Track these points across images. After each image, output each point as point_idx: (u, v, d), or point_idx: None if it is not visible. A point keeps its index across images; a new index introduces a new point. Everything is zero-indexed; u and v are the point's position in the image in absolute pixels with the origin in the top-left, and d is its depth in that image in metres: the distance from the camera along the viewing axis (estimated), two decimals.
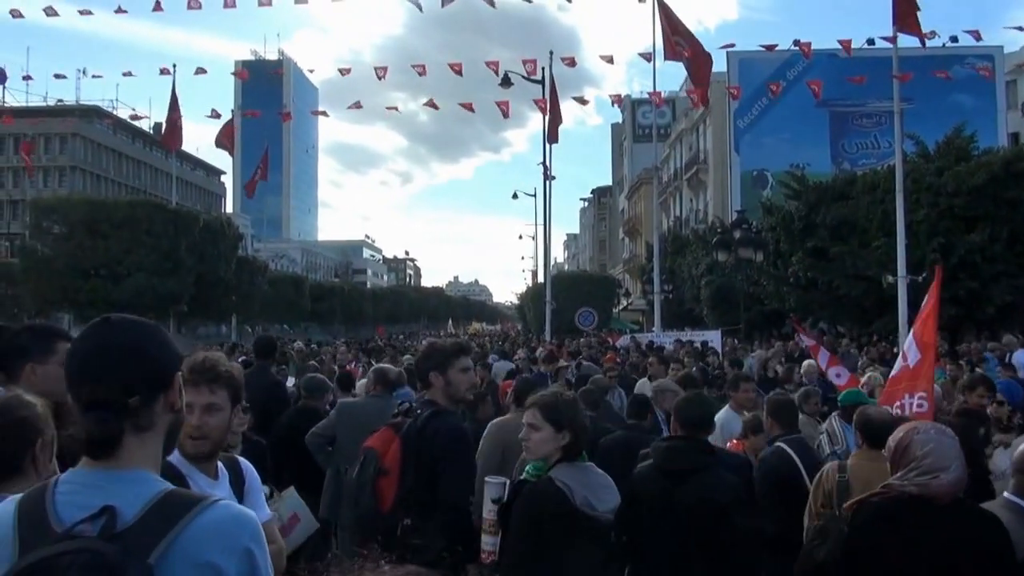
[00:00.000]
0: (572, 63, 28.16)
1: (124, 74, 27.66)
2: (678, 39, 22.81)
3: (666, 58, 23.35)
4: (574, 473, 3.47)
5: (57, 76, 63.76)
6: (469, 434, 3.84)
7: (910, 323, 16.85)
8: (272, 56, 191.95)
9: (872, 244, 20.37)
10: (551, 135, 26.75)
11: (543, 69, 28.40)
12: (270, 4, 19.69)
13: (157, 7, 17.81)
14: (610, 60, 25.04)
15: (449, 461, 3.67)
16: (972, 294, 19.14)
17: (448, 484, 3.62)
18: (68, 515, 1.61)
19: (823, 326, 26.04)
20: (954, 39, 20.92)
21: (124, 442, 1.68)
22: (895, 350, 15.29)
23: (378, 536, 3.21)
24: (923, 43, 16.97)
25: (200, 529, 1.61)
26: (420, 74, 23.15)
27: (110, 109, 79.19)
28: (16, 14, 21.08)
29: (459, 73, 23.43)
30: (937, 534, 3.04)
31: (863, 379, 9.57)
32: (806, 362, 11.64)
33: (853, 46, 22.56)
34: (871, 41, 27.12)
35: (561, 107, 26.71)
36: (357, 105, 22.80)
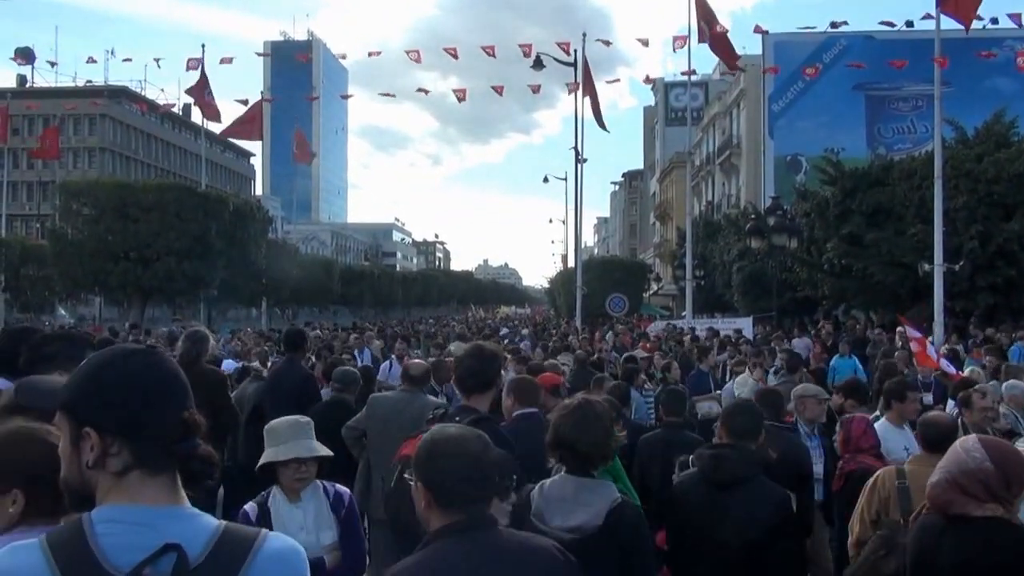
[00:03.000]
0: (607, 44, 28.16)
1: (155, 59, 27.80)
2: (702, 23, 22.74)
3: (699, 40, 23.27)
4: (559, 483, 3.36)
5: (89, 60, 64.31)
6: (513, 444, 3.73)
7: (946, 311, 16.83)
8: (301, 36, 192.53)
9: (908, 231, 20.18)
10: (597, 120, 26.79)
11: (575, 51, 28.34)
12: None
13: None
14: (645, 43, 25.00)
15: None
16: (1009, 282, 18.92)
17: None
18: (122, 557, 1.54)
19: (855, 313, 25.84)
20: (994, 21, 20.61)
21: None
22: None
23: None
24: (967, 27, 16.70)
25: (266, 560, 1.62)
26: (453, 56, 23.28)
27: (138, 90, 79.95)
28: None
29: (492, 55, 23.47)
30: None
31: (966, 373, 9.42)
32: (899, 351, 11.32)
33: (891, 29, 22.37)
34: (910, 23, 26.80)
35: (590, 90, 26.60)
36: (388, 94, 22.90)
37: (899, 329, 14.02)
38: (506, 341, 18.61)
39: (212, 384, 6.86)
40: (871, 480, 4.26)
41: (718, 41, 22.94)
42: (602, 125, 27.46)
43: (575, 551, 2.75)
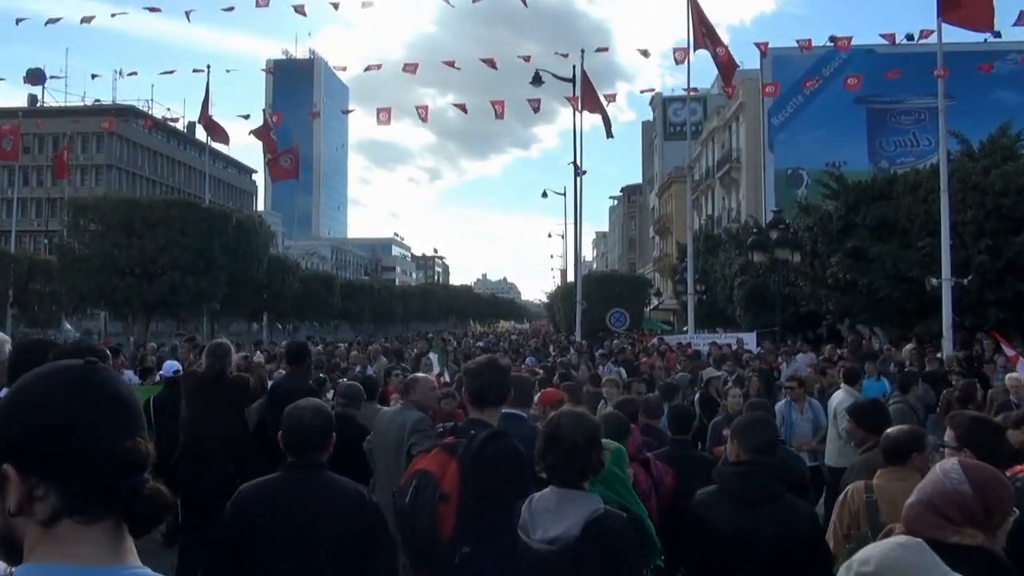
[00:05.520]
0: (604, 51, 28.08)
1: (162, 73, 28.03)
2: (706, 35, 22.69)
3: (695, 47, 23.18)
4: (546, 495, 3.32)
5: (94, 76, 64.57)
6: (527, 457, 3.63)
7: (954, 326, 16.61)
8: (303, 55, 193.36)
9: (915, 245, 19.96)
10: (605, 128, 26.85)
11: (574, 67, 28.26)
12: (303, 14, 19.94)
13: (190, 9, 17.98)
14: (645, 53, 24.96)
15: (510, 488, 3.49)
16: (1019, 297, 18.68)
17: (508, 510, 3.43)
18: None
19: (860, 328, 25.60)
20: (997, 34, 20.45)
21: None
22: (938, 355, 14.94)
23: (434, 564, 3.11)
24: (989, 29, 16.51)
25: None
26: (455, 68, 23.21)
27: (145, 109, 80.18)
28: (53, 20, 21.32)
29: (493, 66, 23.34)
30: None
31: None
32: (1011, 375, 10.00)
33: (896, 40, 22.24)
34: (910, 36, 26.67)
35: (591, 101, 26.51)
36: (387, 112, 22.78)
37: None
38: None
39: (239, 396, 6.89)
40: (842, 495, 4.28)
41: (723, 64, 22.92)
42: (609, 134, 27.49)
43: (554, 562, 3.10)
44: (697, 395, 10.67)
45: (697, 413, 8.80)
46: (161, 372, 9.36)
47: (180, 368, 9.44)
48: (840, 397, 9.06)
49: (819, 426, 9.27)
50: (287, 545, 3.44)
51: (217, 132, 29.73)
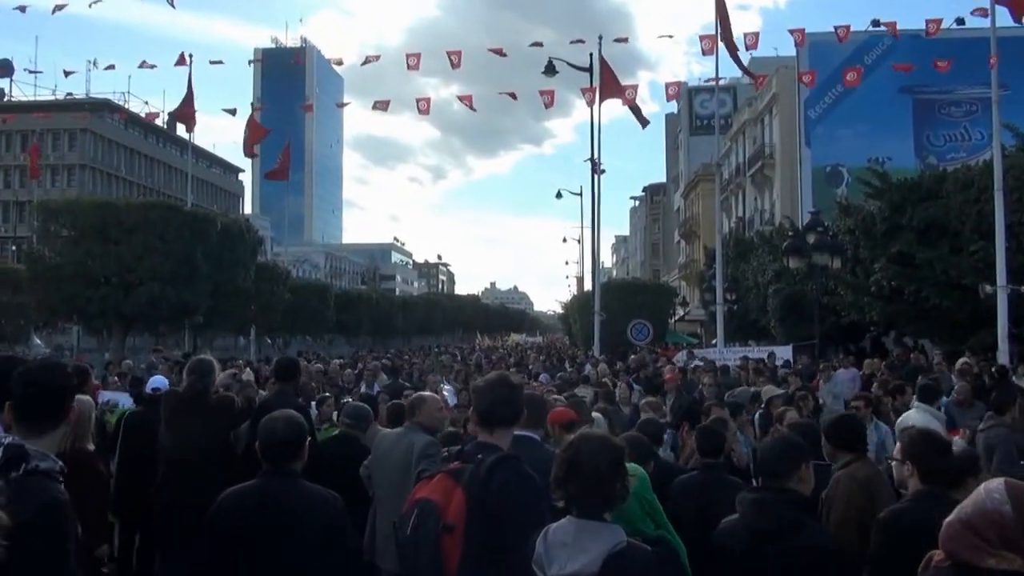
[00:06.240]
0: (623, 41, 28.00)
1: (140, 65, 27.95)
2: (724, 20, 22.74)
3: (721, 38, 23.22)
4: (563, 526, 3.33)
5: (67, 73, 64.93)
6: (539, 483, 3.63)
7: (1010, 337, 16.55)
8: (293, 43, 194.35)
9: (967, 249, 19.91)
10: (636, 116, 26.49)
11: (591, 55, 28.32)
12: None
13: None
14: (670, 38, 25.01)
15: (521, 517, 3.51)
16: None
17: (520, 543, 3.44)
18: None
19: (908, 341, 25.53)
20: None
21: None
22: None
23: None
24: (1018, 20, 16.56)
25: None
26: (455, 65, 23.15)
27: (121, 103, 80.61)
28: (21, 8, 21.52)
29: (503, 55, 23.38)
30: None
31: None
32: None
33: (941, 26, 22.21)
34: (960, 20, 26.65)
35: (613, 89, 26.30)
36: (385, 103, 22.88)
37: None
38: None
39: (226, 416, 7.00)
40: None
41: (729, 45, 22.93)
42: (643, 121, 27.13)
43: None
44: (757, 414, 10.60)
45: (757, 435, 8.81)
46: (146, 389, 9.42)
47: (166, 384, 9.51)
48: (914, 417, 8.76)
49: (886, 451, 9.12)
50: (261, 549, 4.04)
51: (188, 118, 29.78)
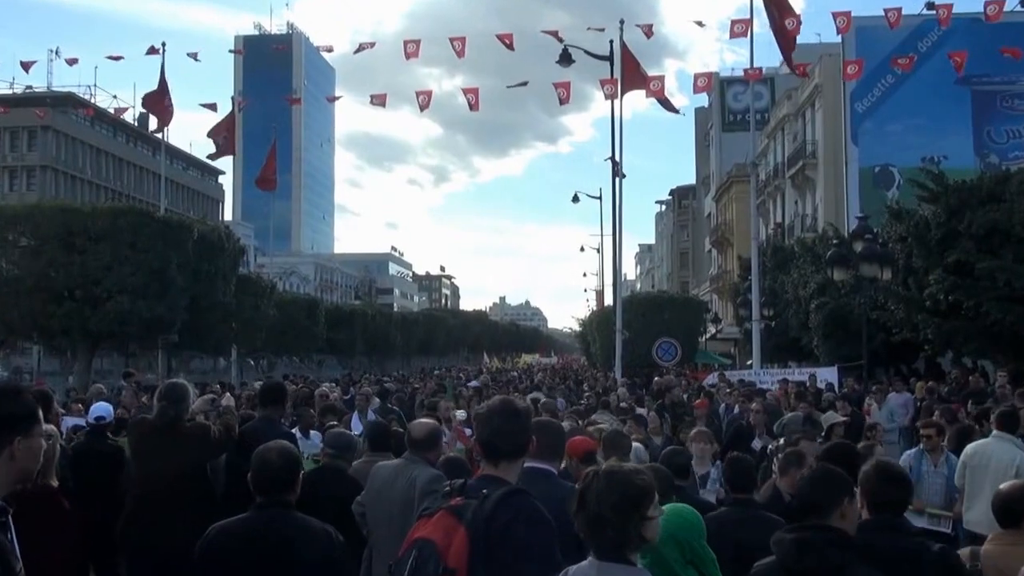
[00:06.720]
0: (648, 28, 27.94)
1: (109, 57, 28.18)
2: (773, 8, 22.75)
3: (771, 27, 23.27)
4: (584, 569, 3.35)
5: (25, 65, 65.52)
6: (552, 522, 3.63)
7: None
8: (279, 29, 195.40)
9: None
10: (664, 104, 26.58)
11: (611, 42, 28.43)
12: None
13: None
14: (700, 24, 25.10)
15: (530, 560, 3.51)
16: None
17: None
18: None
19: (967, 361, 25.48)
20: None
21: None
22: None
23: None
24: None
25: None
26: (459, 54, 23.26)
27: (87, 97, 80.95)
28: None
29: (510, 47, 23.42)
30: None
31: None
32: None
33: (1004, 9, 22.22)
34: None
35: (636, 79, 26.34)
36: (382, 97, 22.93)
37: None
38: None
39: (202, 446, 7.00)
40: None
41: (783, 35, 22.94)
42: (671, 108, 27.22)
43: None
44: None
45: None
46: (87, 417, 9.41)
47: (111, 412, 9.54)
48: (994, 448, 8.81)
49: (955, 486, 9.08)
50: None
51: (163, 114, 29.95)
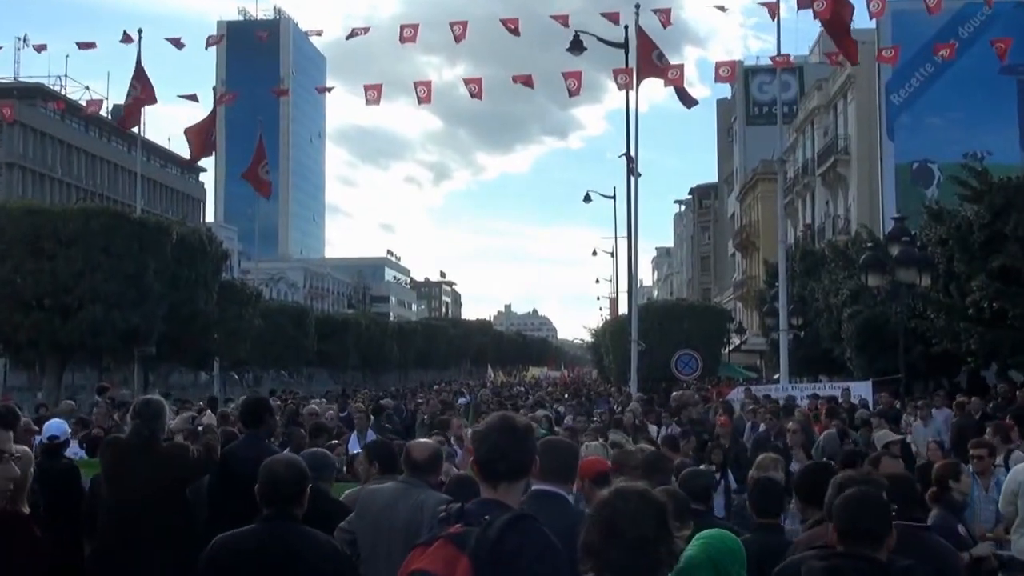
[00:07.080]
0: (666, 18, 27.88)
1: (80, 45, 28.21)
2: None
3: (799, 7, 23.25)
4: None
5: None
6: (563, 551, 3.60)
7: None
8: (265, 14, 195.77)
9: None
10: (681, 98, 26.27)
11: (626, 28, 28.43)
12: None
13: None
14: (723, 9, 25.09)
15: None
16: None
17: None
18: None
19: (1014, 375, 25.44)
20: None
21: None
22: None
23: None
24: None
25: None
26: (459, 39, 23.28)
27: (56, 88, 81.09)
28: None
29: (515, 32, 23.39)
30: None
31: None
32: None
33: None
34: None
35: (653, 68, 26.17)
36: (377, 89, 22.92)
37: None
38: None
39: (179, 467, 7.00)
40: None
41: (836, 27, 22.85)
42: (689, 100, 26.82)
43: None
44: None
45: None
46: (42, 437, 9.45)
47: (65, 430, 9.59)
48: None
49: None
50: None
51: (132, 115, 30.07)
